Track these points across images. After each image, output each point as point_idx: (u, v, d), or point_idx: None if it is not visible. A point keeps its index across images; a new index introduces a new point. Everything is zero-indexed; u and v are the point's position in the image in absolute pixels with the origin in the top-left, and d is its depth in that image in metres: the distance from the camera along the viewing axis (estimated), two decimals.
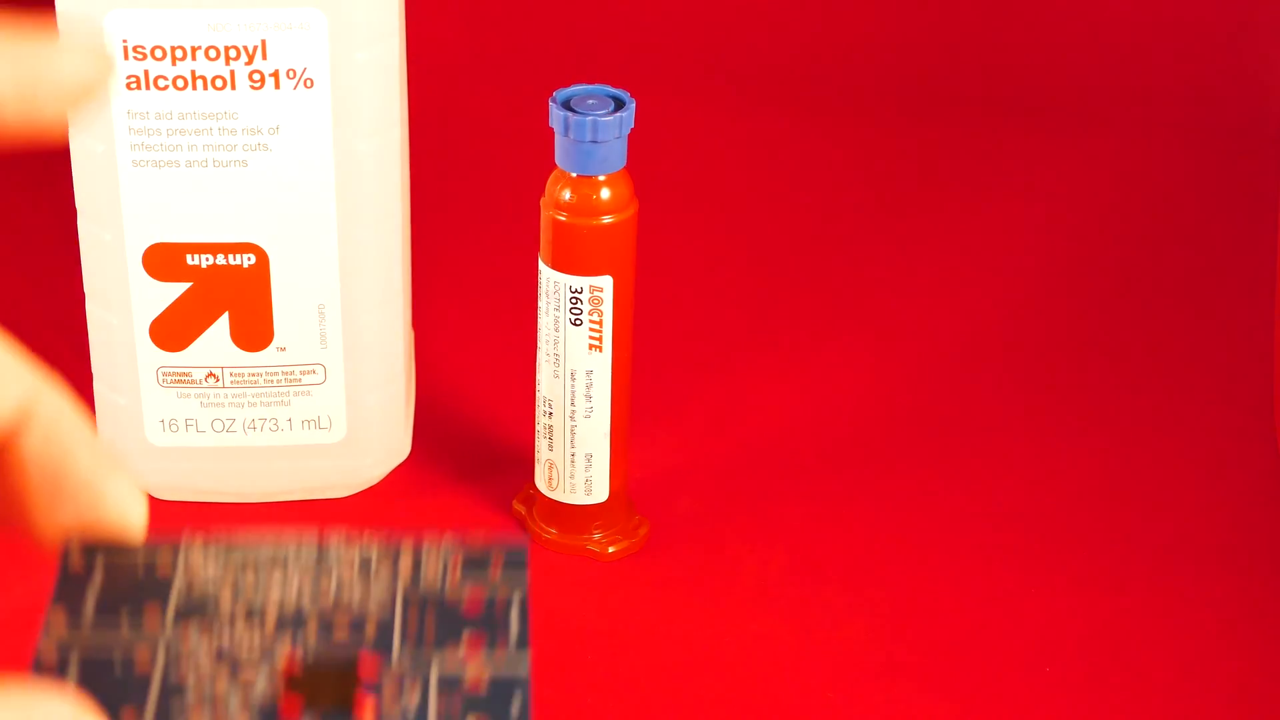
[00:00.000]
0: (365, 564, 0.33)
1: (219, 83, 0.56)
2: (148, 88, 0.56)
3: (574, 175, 0.56)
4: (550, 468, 0.60)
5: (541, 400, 0.59)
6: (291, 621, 0.32)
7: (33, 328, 0.69)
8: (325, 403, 0.60)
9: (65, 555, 0.34)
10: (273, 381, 0.60)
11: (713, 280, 0.75)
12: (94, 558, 0.34)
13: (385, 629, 0.32)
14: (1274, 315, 0.66)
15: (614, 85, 0.57)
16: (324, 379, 0.60)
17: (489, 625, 0.32)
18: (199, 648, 0.32)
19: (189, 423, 0.60)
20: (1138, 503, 0.64)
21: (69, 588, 0.34)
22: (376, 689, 0.31)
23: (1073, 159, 0.83)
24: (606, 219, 0.56)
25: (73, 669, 0.32)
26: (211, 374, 0.60)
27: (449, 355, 0.69)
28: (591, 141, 0.55)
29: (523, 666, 0.32)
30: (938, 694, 0.55)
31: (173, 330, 0.59)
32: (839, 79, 0.87)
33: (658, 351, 0.68)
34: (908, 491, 0.64)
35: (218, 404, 0.60)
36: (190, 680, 0.32)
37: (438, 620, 0.32)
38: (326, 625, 0.32)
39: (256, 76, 0.56)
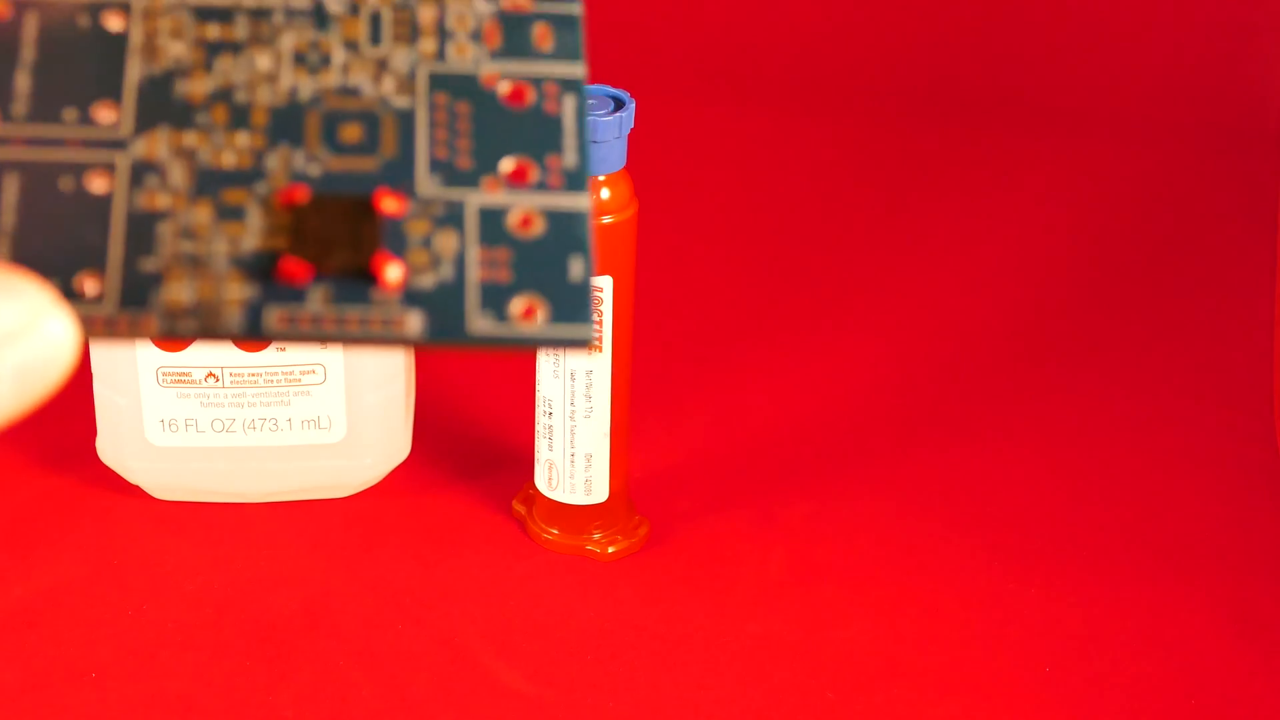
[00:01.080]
0: (375, 28, 0.26)
1: None
2: None
3: None
4: (550, 468, 0.60)
5: (541, 400, 0.59)
6: (285, 121, 0.25)
7: None
8: (325, 403, 0.60)
9: None
10: (272, 381, 0.60)
11: (713, 280, 0.75)
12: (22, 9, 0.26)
13: (405, 133, 0.25)
14: (1274, 315, 0.66)
15: (614, 85, 0.57)
16: (324, 379, 0.60)
17: (538, 135, 0.25)
18: (170, 162, 0.24)
19: (189, 423, 0.60)
20: (1138, 503, 0.64)
21: None
22: (399, 238, 0.24)
23: (1072, 159, 0.83)
24: (606, 219, 0.56)
25: (8, 194, 0.24)
26: (211, 374, 0.60)
27: (449, 355, 0.69)
28: (591, 141, 0.55)
29: (583, 200, 0.25)
30: (938, 694, 0.55)
31: None
32: (839, 79, 0.87)
33: (658, 351, 0.68)
34: (908, 491, 0.64)
35: (218, 404, 0.60)
36: (163, 222, 0.24)
37: (474, 118, 0.25)
38: (330, 125, 0.25)
39: None
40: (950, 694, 0.55)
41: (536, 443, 0.60)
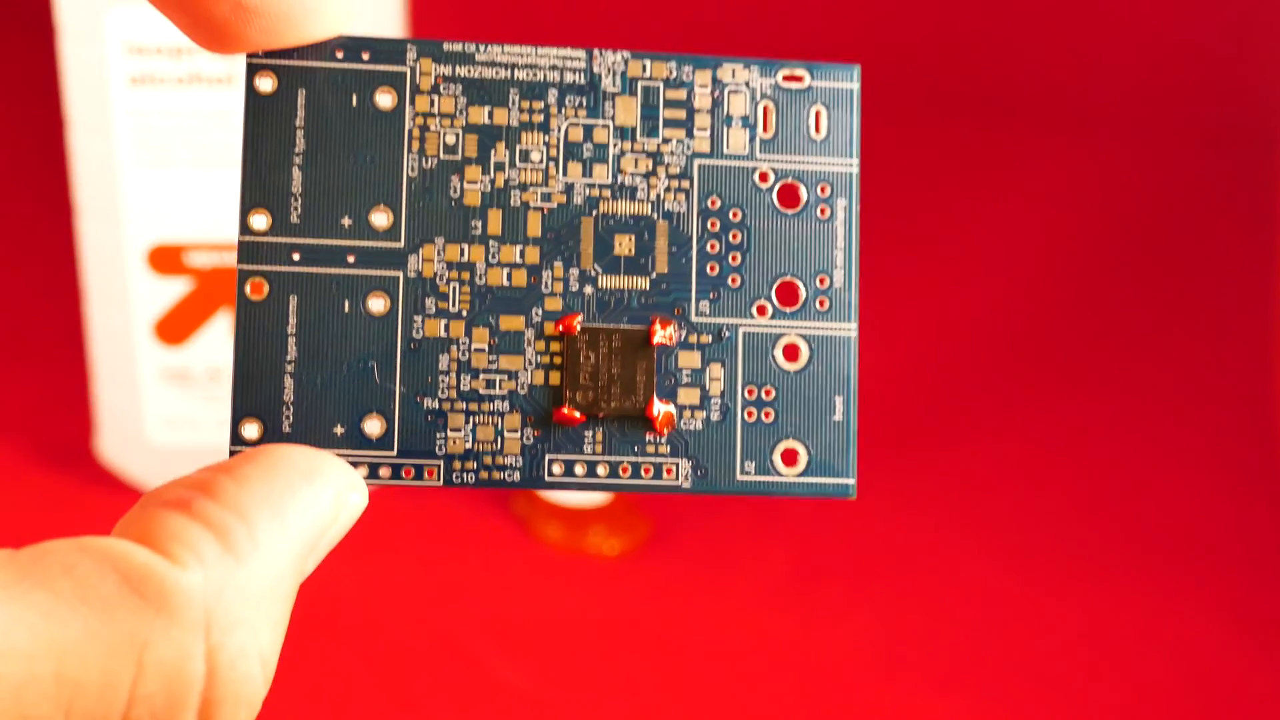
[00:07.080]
0: (648, 109, 0.24)
1: (220, 81, 0.56)
2: (149, 86, 0.56)
3: None
4: None
5: None
6: (559, 230, 0.23)
7: (33, 327, 0.69)
8: None
9: (250, 75, 0.24)
10: None
11: None
12: (292, 85, 0.24)
13: (677, 244, 0.24)
14: (1274, 315, 0.66)
15: None
16: None
17: (808, 248, 0.25)
18: (447, 281, 0.24)
19: (190, 421, 0.60)
20: (1138, 503, 0.64)
21: (261, 133, 0.24)
22: (670, 372, 0.23)
23: (1073, 158, 0.83)
24: None
25: (292, 319, 0.23)
26: (213, 372, 0.60)
27: None
28: None
29: (850, 328, 0.25)
30: (938, 691, 0.55)
31: (174, 328, 0.59)
32: None
33: None
34: (908, 490, 0.64)
35: (219, 402, 0.60)
36: (442, 354, 0.23)
37: (744, 227, 0.24)
38: (603, 237, 0.23)
39: None
40: (950, 692, 0.55)
41: None
